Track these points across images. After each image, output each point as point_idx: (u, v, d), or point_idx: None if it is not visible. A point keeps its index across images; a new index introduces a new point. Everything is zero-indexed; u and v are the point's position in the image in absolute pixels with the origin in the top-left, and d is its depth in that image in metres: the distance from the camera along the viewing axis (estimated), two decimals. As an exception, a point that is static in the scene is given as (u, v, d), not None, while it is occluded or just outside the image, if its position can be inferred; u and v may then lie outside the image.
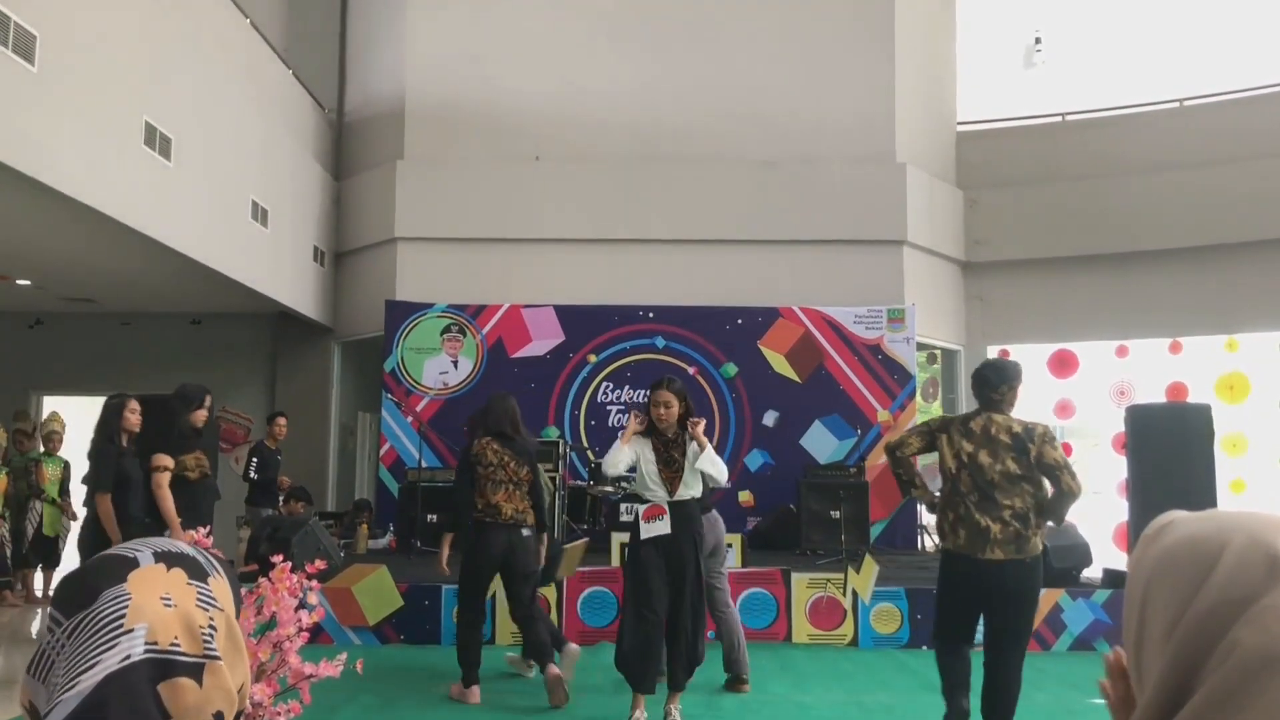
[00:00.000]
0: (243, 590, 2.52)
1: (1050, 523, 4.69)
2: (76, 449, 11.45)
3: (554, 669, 5.62)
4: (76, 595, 0.92)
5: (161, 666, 0.88)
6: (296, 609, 2.55)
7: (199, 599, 0.93)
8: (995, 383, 4.69)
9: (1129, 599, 0.89)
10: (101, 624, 0.89)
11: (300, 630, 2.55)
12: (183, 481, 6.01)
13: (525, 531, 5.84)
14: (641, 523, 5.24)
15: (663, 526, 5.20)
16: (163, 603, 0.91)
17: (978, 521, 4.54)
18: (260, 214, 10.51)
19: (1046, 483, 4.58)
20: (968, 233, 13.25)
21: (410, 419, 11.16)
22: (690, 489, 5.28)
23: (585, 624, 7.63)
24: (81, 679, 0.85)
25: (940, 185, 12.98)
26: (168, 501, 5.86)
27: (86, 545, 5.96)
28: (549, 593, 7.60)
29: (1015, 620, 4.63)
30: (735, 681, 6.16)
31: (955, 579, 4.71)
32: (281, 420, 9.73)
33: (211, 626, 0.93)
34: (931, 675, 6.51)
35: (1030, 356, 12.99)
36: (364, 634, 7.42)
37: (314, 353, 13.01)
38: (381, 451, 11.48)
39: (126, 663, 0.86)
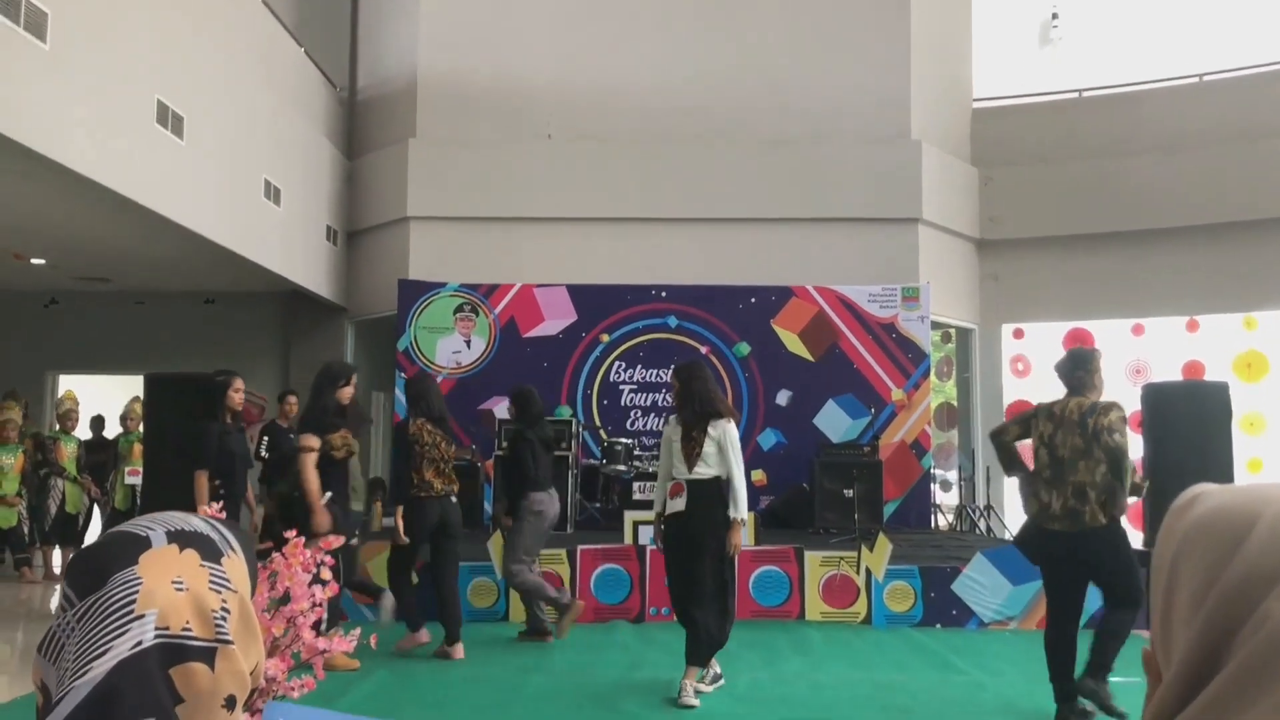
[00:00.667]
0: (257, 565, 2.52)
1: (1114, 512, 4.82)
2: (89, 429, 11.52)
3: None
4: (87, 576, 0.91)
5: (173, 651, 0.87)
6: (310, 584, 2.55)
7: (212, 581, 0.92)
8: (1071, 368, 5.07)
9: (1156, 572, 0.87)
10: (112, 609, 0.88)
11: (314, 605, 2.55)
12: (329, 460, 6.02)
13: (453, 499, 6.51)
14: (668, 498, 5.48)
15: (679, 504, 5.36)
16: (174, 587, 0.90)
17: (1042, 496, 4.94)
18: (273, 193, 10.51)
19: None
20: (983, 210, 13.17)
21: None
22: (709, 468, 5.37)
23: (599, 601, 7.64)
24: (93, 665, 0.84)
25: (955, 163, 12.89)
26: (312, 482, 5.88)
27: None
28: (563, 570, 7.62)
29: (1071, 589, 4.90)
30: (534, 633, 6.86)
31: (1033, 553, 5.10)
32: (293, 399, 9.75)
33: (224, 609, 0.91)
34: (944, 653, 6.54)
35: (1045, 335, 12.95)
36: (378, 611, 7.44)
37: (327, 332, 13.03)
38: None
39: (138, 649, 0.85)
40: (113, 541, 0.94)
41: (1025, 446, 5.26)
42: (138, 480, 8.18)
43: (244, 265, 10.30)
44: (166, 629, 0.87)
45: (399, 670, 5.88)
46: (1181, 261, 12.23)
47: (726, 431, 5.41)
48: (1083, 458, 4.81)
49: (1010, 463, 5.29)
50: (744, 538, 7.75)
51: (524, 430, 6.98)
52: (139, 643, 0.86)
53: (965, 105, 13.58)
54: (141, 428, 9.98)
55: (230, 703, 0.89)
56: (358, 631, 2.91)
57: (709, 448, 5.37)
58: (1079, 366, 5.03)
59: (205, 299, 12.92)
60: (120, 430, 10.45)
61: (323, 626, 5.57)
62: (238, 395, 6.32)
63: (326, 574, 2.55)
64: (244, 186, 9.94)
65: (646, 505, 7.71)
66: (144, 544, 0.93)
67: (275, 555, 2.54)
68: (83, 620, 0.88)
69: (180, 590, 0.90)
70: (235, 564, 0.96)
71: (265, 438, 9.53)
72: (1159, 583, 0.85)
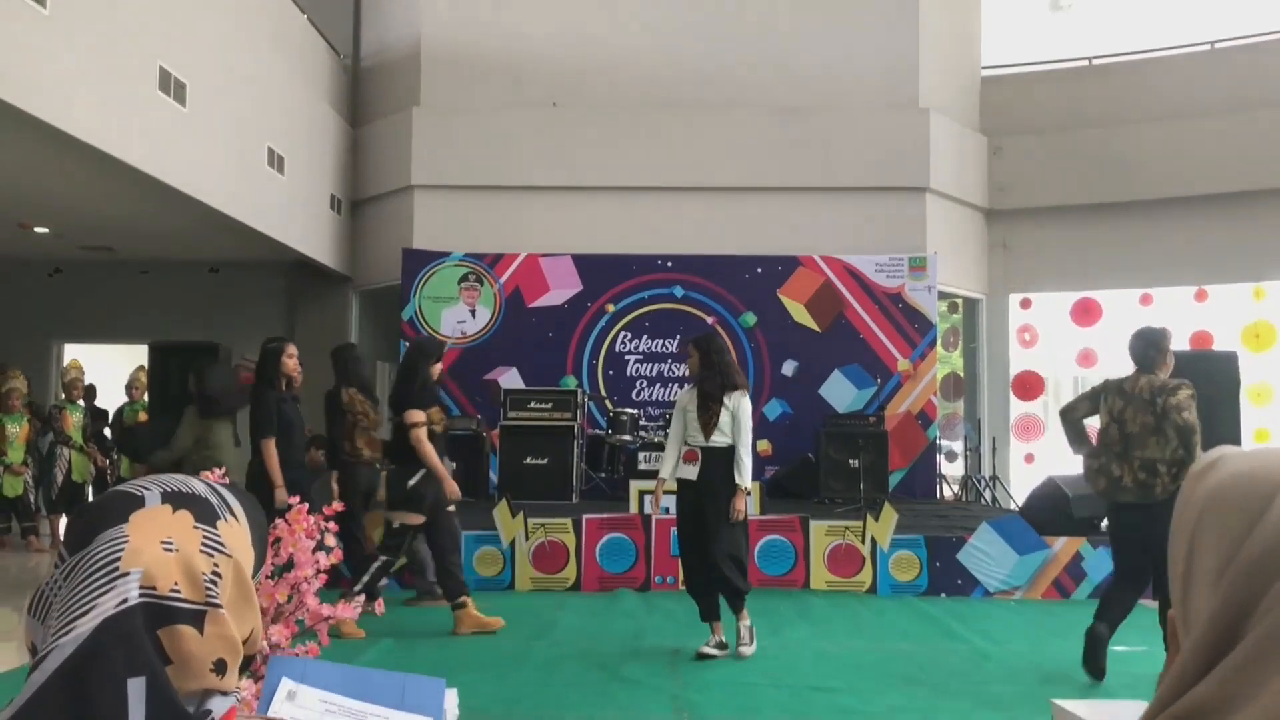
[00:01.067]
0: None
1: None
2: (103, 398, 11.53)
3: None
4: (77, 535, 0.89)
5: (161, 613, 0.84)
6: (314, 550, 2.53)
7: (204, 544, 0.90)
8: (1144, 347, 5.30)
9: (1175, 536, 0.84)
10: (96, 566, 0.85)
11: (318, 572, 2.54)
12: (429, 434, 6.08)
13: (379, 466, 6.72)
14: (682, 464, 5.67)
15: (692, 471, 5.58)
16: (163, 547, 0.87)
17: (1112, 470, 5.15)
18: (276, 161, 10.45)
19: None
20: (991, 180, 13.07)
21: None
22: (724, 436, 5.57)
23: (604, 570, 7.65)
24: (77, 624, 0.82)
25: (964, 131, 12.78)
26: (433, 455, 5.99)
27: (255, 488, 6.12)
28: (569, 539, 7.63)
29: (1139, 558, 5.04)
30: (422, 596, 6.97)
31: (1112, 525, 5.41)
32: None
33: (215, 573, 0.89)
34: (949, 622, 6.54)
35: (1053, 305, 12.90)
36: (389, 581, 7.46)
37: (332, 301, 13.01)
38: (400, 400, 11.48)
39: (123, 607, 0.83)
40: (106, 500, 0.92)
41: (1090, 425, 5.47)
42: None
43: (247, 234, 10.26)
44: (153, 589, 0.85)
45: (405, 638, 5.89)
46: (1190, 231, 12.14)
47: (741, 404, 5.59)
48: (1153, 434, 5.04)
49: (1079, 439, 5.51)
50: (750, 507, 7.81)
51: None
52: (124, 600, 0.83)
53: (974, 73, 13.46)
54: (146, 396, 10.00)
55: (220, 667, 0.87)
56: (361, 599, 2.90)
57: (724, 418, 5.55)
58: (1151, 346, 5.25)
59: (210, 268, 12.90)
60: (125, 400, 10.45)
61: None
62: (291, 361, 6.36)
63: (331, 540, 2.53)
64: (247, 155, 9.88)
65: (652, 475, 7.69)
66: (137, 503, 0.90)
67: (278, 521, 2.53)
68: (68, 578, 0.86)
69: (170, 551, 0.87)
70: (233, 529, 0.94)
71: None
72: (1179, 550, 0.83)
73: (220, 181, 9.20)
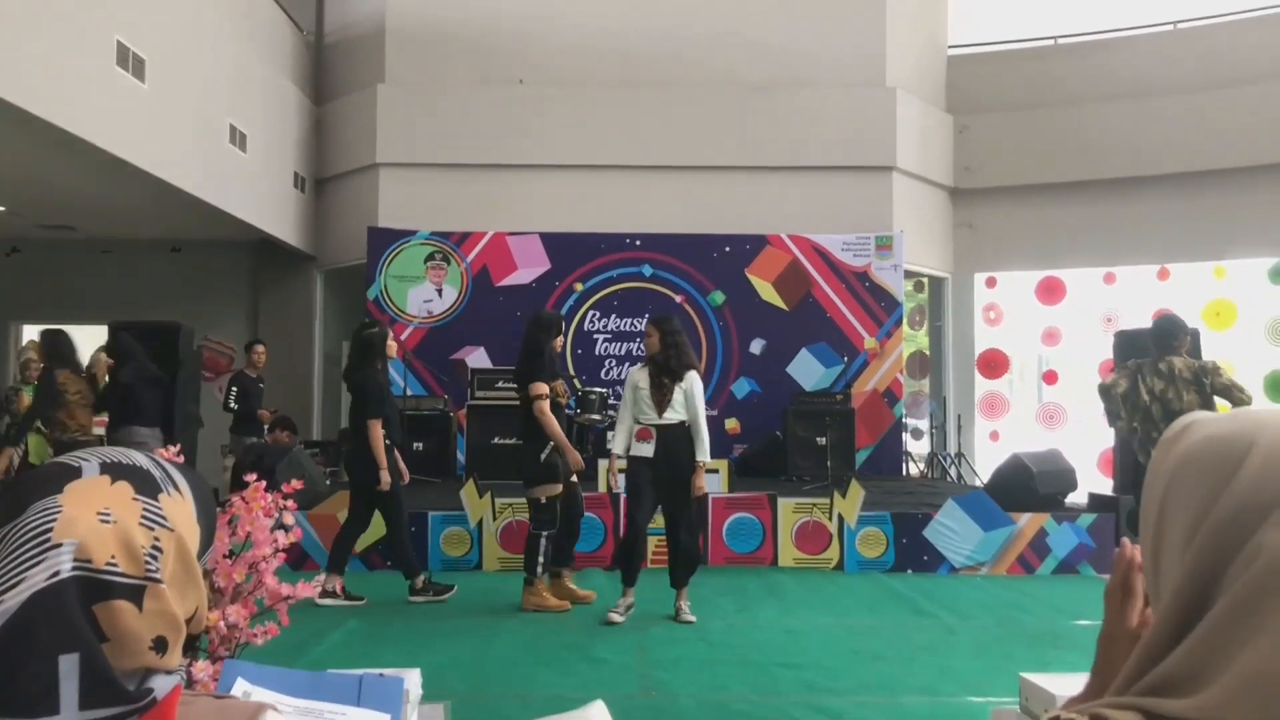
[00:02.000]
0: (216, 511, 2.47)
1: None
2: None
3: None
4: (8, 506, 0.85)
5: (96, 588, 0.81)
6: (273, 529, 2.49)
7: (145, 517, 0.86)
8: (1175, 334, 6.08)
9: (1147, 503, 0.83)
10: (26, 537, 0.81)
11: (277, 551, 2.50)
12: (554, 407, 6.15)
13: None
14: (634, 441, 5.84)
15: (648, 448, 5.75)
16: (100, 518, 0.83)
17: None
18: (238, 138, 10.31)
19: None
20: (957, 159, 13.12)
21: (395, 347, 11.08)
22: (677, 413, 5.77)
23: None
24: (5, 597, 0.78)
25: (930, 110, 12.81)
26: (554, 424, 6.04)
27: (356, 467, 6.35)
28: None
29: None
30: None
31: None
32: (259, 348, 9.64)
33: (156, 547, 0.85)
34: (916, 598, 6.59)
35: (1018, 284, 12.98)
36: (351, 561, 7.41)
37: (296, 281, 12.87)
38: (366, 380, 11.38)
39: (55, 580, 0.79)
40: (40, 471, 0.88)
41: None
42: (102, 430, 8.09)
43: (210, 213, 10.12)
44: (88, 562, 0.81)
45: (372, 619, 5.86)
46: (1153, 210, 12.25)
47: (694, 382, 5.80)
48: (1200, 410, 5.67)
49: (1117, 414, 6.25)
50: (718, 485, 7.85)
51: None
52: (55, 573, 0.79)
53: (941, 52, 13.47)
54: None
55: (160, 645, 0.84)
56: (321, 578, 2.86)
57: (678, 395, 5.75)
58: (1175, 335, 6.08)
59: (172, 247, 12.72)
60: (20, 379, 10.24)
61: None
62: (394, 345, 6.50)
63: (289, 518, 2.50)
64: (208, 132, 9.74)
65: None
66: (73, 473, 0.87)
67: (235, 499, 2.48)
68: None
69: (106, 522, 0.83)
70: (176, 503, 0.90)
71: (234, 388, 9.44)
72: (1149, 518, 0.82)
73: (181, 159, 9.06)
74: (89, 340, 11.38)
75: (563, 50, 11.95)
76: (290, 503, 2.53)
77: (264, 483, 2.51)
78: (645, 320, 10.98)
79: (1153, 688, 0.75)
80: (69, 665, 0.78)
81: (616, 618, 5.77)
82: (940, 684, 4.61)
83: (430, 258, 11.40)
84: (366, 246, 11.40)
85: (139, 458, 0.91)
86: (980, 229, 13.14)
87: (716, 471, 8.12)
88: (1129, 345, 7.72)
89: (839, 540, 7.74)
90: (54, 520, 0.82)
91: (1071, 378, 12.66)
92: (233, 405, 9.28)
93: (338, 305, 13.14)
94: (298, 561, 7.09)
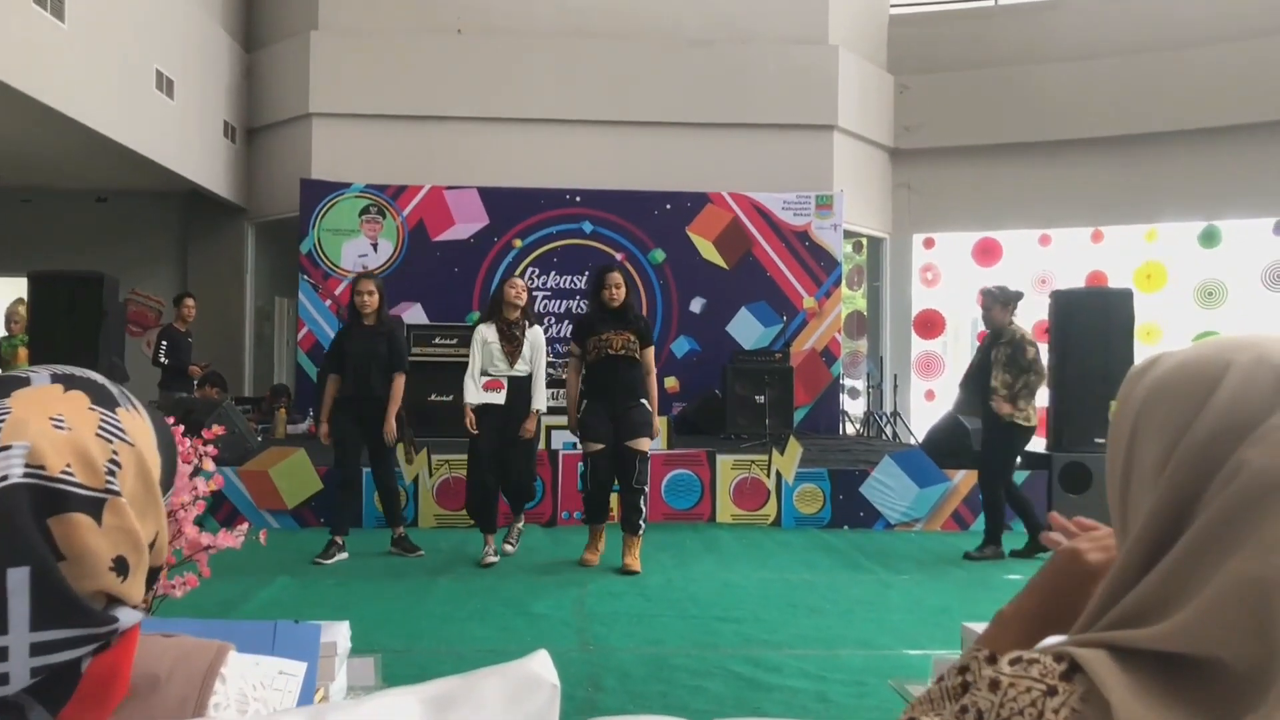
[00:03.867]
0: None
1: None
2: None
3: None
4: None
5: (51, 498, 0.72)
6: (192, 476, 2.39)
7: (103, 427, 0.77)
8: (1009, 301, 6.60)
9: (1113, 440, 0.79)
10: None
11: (197, 499, 2.40)
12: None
13: None
14: (481, 391, 6.08)
15: (499, 397, 6.05)
16: (52, 424, 0.75)
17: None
18: (165, 84, 9.97)
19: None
20: (897, 119, 13.14)
21: (329, 303, 10.88)
22: (526, 365, 6.12)
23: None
24: None
25: (872, 69, 12.80)
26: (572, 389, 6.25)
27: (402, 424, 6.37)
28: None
29: None
30: None
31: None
32: (189, 301, 9.38)
33: (114, 460, 0.76)
34: (852, 553, 6.66)
35: (955, 245, 13.09)
36: (282, 517, 7.29)
37: (227, 233, 12.55)
38: (299, 336, 11.19)
39: (4, 484, 0.71)
40: None
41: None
42: None
43: (135, 161, 9.80)
44: (41, 469, 0.72)
45: (303, 576, 5.76)
46: (1088, 173, 12.39)
47: (540, 335, 6.22)
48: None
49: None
50: (659, 443, 7.85)
51: None
52: (4, 478, 0.71)
53: (883, 11, 13.46)
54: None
55: (120, 566, 0.75)
56: (244, 526, 2.75)
57: (526, 349, 6.10)
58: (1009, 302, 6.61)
59: (97, 197, 12.33)
60: (3, 334, 9.93)
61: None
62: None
63: (209, 464, 2.39)
64: (133, 76, 9.40)
65: (559, 411, 7.64)
66: (21, 383, 0.78)
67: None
68: None
69: (60, 429, 0.75)
70: (135, 420, 0.81)
71: (164, 343, 9.19)
72: (1116, 454, 0.77)
73: (104, 104, 8.74)
74: (9, 292, 11.02)
75: None
76: (210, 449, 2.42)
77: (181, 427, 2.40)
78: (587, 277, 10.94)
79: (1121, 619, 0.71)
80: (19, 580, 0.69)
81: (493, 559, 6.09)
82: (877, 637, 4.64)
83: (365, 211, 11.17)
84: (299, 199, 11.12)
85: (93, 374, 0.83)
86: (919, 190, 13.20)
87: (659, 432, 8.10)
88: (1066, 304, 7.81)
89: (777, 497, 7.77)
90: (2, 421, 0.74)
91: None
92: (163, 360, 9.03)
93: (269, 259, 12.86)
94: (227, 518, 6.94)
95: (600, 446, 5.94)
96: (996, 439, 6.54)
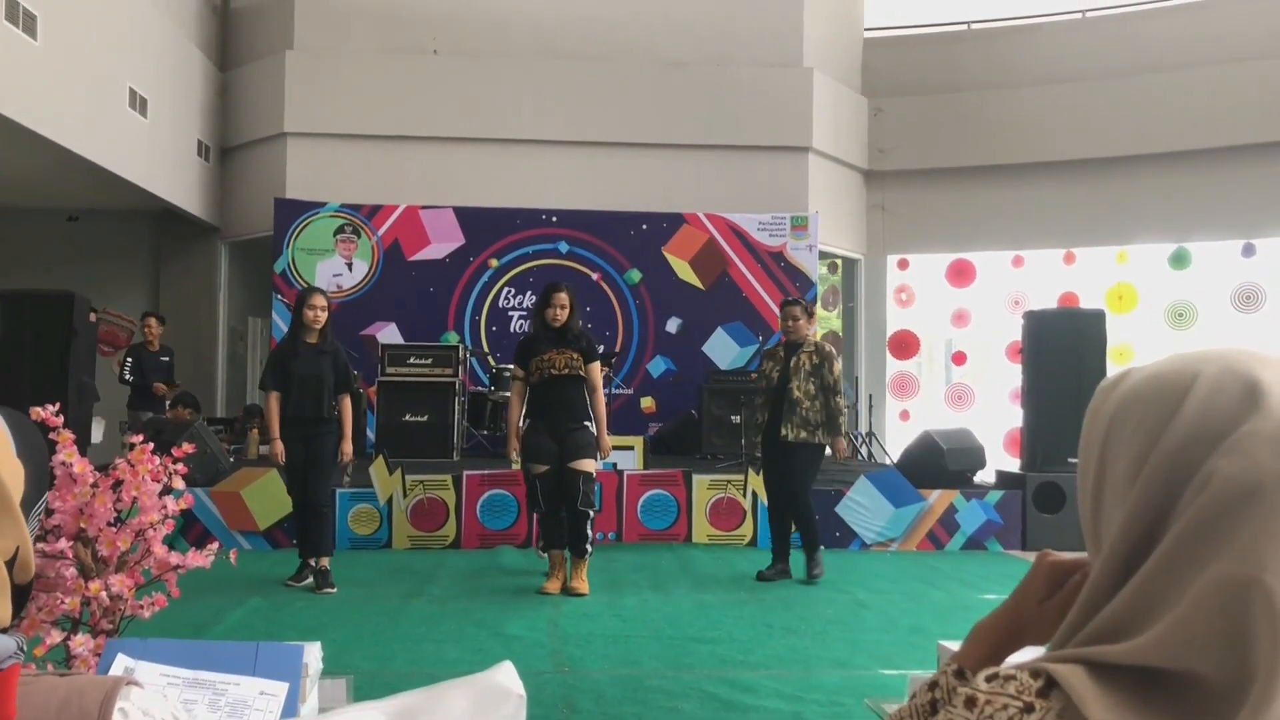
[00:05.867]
0: (95, 474, 2.33)
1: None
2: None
3: None
4: None
5: None
6: (161, 495, 2.36)
7: None
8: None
9: (1085, 452, 0.79)
10: None
11: (166, 518, 2.36)
12: None
13: None
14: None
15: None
16: None
17: None
18: (138, 103, 9.92)
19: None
20: (871, 141, 13.23)
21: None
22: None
23: (485, 527, 7.53)
24: None
25: (846, 92, 12.89)
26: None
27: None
28: (448, 496, 7.49)
29: None
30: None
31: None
32: (151, 321, 9.31)
33: None
34: (828, 573, 6.65)
35: (929, 266, 13.17)
36: (254, 539, 7.22)
37: (200, 253, 12.47)
38: (273, 356, 11.09)
39: None
40: None
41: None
42: None
43: (107, 179, 9.74)
44: None
45: (275, 597, 5.69)
46: (1061, 195, 12.52)
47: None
48: None
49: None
50: (633, 462, 7.86)
51: None
52: None
53: (857, 34, 13.57)
54: None
55: None
56: (214, 546, 2.72)
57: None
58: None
59: (68, 216, 12.22)
60: None
61: None
62: (309, 313, 6.13)
63: (179, 483, 2.36)
64: (106, 94, 9.34)
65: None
66: None
67: (120, 462, 2.34)
68: None
69: None
70: None
71: (129, 359, 9.12)
72: (1088, 467, 0.77)
73: (76, 122, 8.68)
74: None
75: (477, 20, 11.74)
76: (180, 467, 2.39)
77: (150, 445, 2.37)
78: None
79: (1098, 633, 0.71)
80: None
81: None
82: (852, 657, 4.63)
83: (340, 230, 11.13)
84: (274, 218, 11.08)
85: None
86: (892, 211, 13.29)
87: (632, 449, 8.09)
88: (1038, 325, 7.86)
89: (753, 517, 7.76)
90: None
91: (980, 359, 12.91)
92: (127, 378, 8.95)
93: (243, 279, 12.78)
94: (199, 540, 6.86)
95: (545, 468, 5.79)
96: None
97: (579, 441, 5.80)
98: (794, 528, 6.50)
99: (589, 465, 5.81)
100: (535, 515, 6.15)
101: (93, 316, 9.54)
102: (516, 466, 6.45)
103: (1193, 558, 0.66)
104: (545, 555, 6.12)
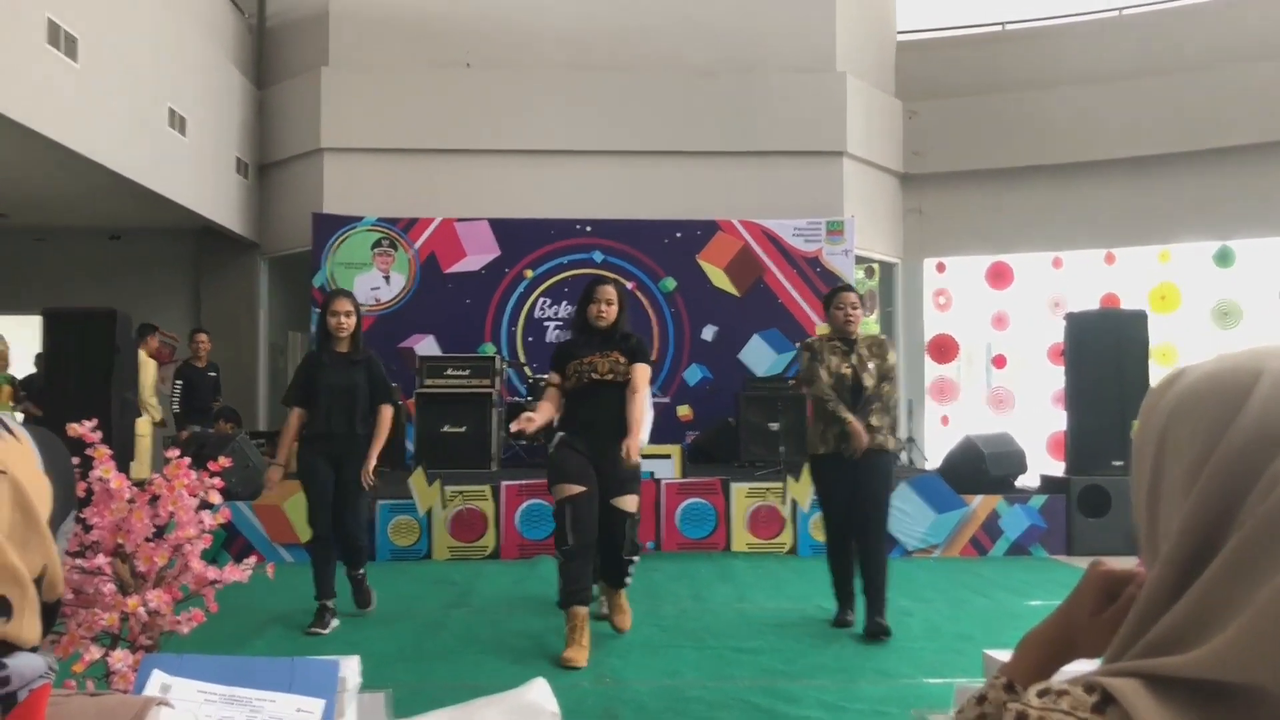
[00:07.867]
0: (133, 489, 2.34)
1: None
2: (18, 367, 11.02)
3: None
4: None
5: None
6: (198, 509, 2.36)
7: None
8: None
9: (1139, 452, 0.75)
10: None
11: (203, 532, 2.37)
12: None
13: None
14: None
15: None
16: None
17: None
18: (178, 122, 10.04)
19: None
20: (906, 144, 13.14)
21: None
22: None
23: (524, 537, 7.54)
24: None
25: (880, 96, 12.81)
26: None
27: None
28: (487, 507, 7.49)
29: None
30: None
31: None
32: (201, 336, 9.42)
33: None
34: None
35: (967, 269, 13.04)
36: (296, 551, 7.25)
37: (240, 269, 12.60)
38: (313, 369, 11.18)
39: None
40: None
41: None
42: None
43: (149, 198, 9.86)
44: None
45: (315, 611, 5.71)
46: (1100, 195, 12.35)
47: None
48: None
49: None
50: (671, 470, 7.81)
51: None
52: None
53: (889, 38, 13.49)
54: (21, 368, 9.60)
55: (2, 607, 0.70)
56: (252, 560, 2.72)
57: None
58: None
59: (111, 235, 12.40)
60: None
61: None
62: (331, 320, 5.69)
63: (216, 497, 2.36)
64: (146, 115, 9.47)
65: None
66: None
67: (155, 477, 2.35)
68: None
69: None
70: (12, 447, 0.75)
71: (180, 381, 9.23)
72: (1143, 470, 0.74)
73: (118, 143, 8.80)
74: (24, 331, 11.07)
75: (510, 33, 11.79)
76: (217, 480, 2.40)
77: (187, 460, 2.38)
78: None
79: (1155, 645, 0.68)
80: None
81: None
82: (897, 666, 4.57)
83: (377, 244, 11.20)
84: (312, 233, 11.17)
85: None
86: (929, 214, 13.18)
87: (670, 457, 8.07)
88: (1079, 327, 7.76)
89: (792, 525, 7.71)
90: None
91: (1020, 362, 12.75)
92: (175, 408, 9.09)
93: (282, 293, 12.90)
94: (241, 553, 6.92)
95: (579, 490, 4.68)
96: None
97: (624, 475, 4.78)
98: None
99: (632, 504, 4.86)
100: (559, 551, 4.84)
101: (158, 337, 9.70)
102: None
103: (1258, 565, 0.63)
104: (564, 611, 4.79)
